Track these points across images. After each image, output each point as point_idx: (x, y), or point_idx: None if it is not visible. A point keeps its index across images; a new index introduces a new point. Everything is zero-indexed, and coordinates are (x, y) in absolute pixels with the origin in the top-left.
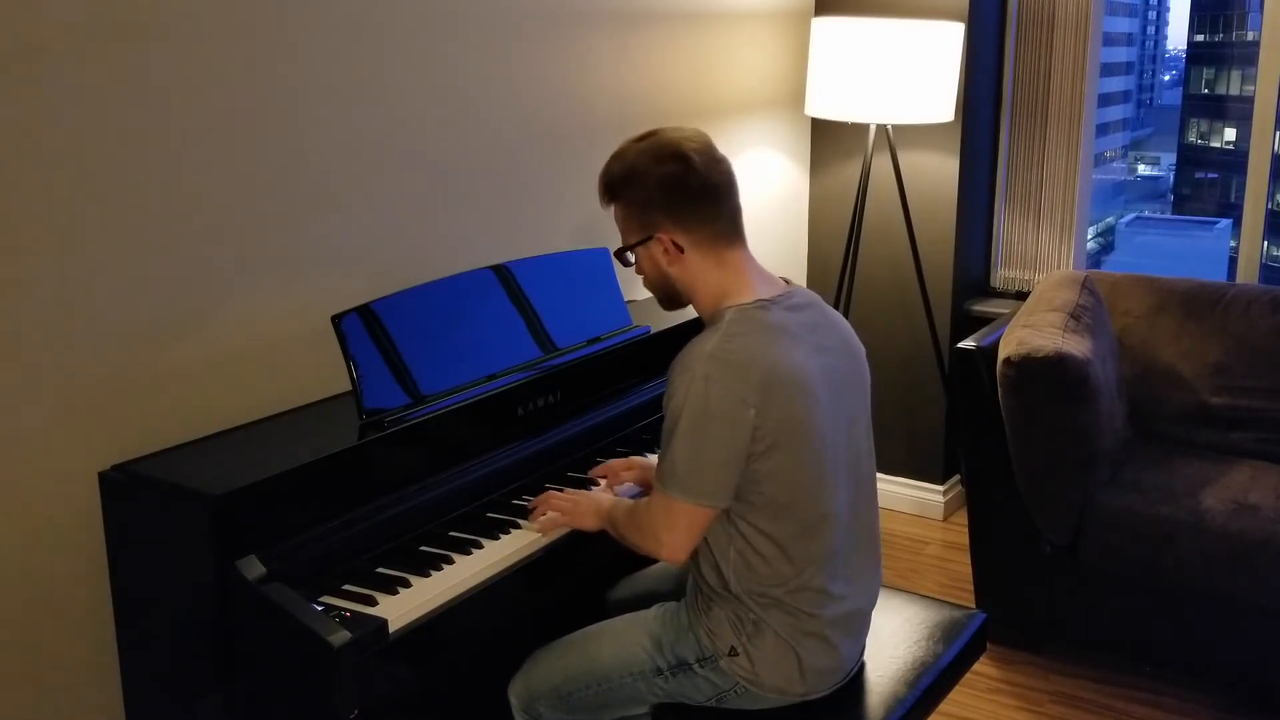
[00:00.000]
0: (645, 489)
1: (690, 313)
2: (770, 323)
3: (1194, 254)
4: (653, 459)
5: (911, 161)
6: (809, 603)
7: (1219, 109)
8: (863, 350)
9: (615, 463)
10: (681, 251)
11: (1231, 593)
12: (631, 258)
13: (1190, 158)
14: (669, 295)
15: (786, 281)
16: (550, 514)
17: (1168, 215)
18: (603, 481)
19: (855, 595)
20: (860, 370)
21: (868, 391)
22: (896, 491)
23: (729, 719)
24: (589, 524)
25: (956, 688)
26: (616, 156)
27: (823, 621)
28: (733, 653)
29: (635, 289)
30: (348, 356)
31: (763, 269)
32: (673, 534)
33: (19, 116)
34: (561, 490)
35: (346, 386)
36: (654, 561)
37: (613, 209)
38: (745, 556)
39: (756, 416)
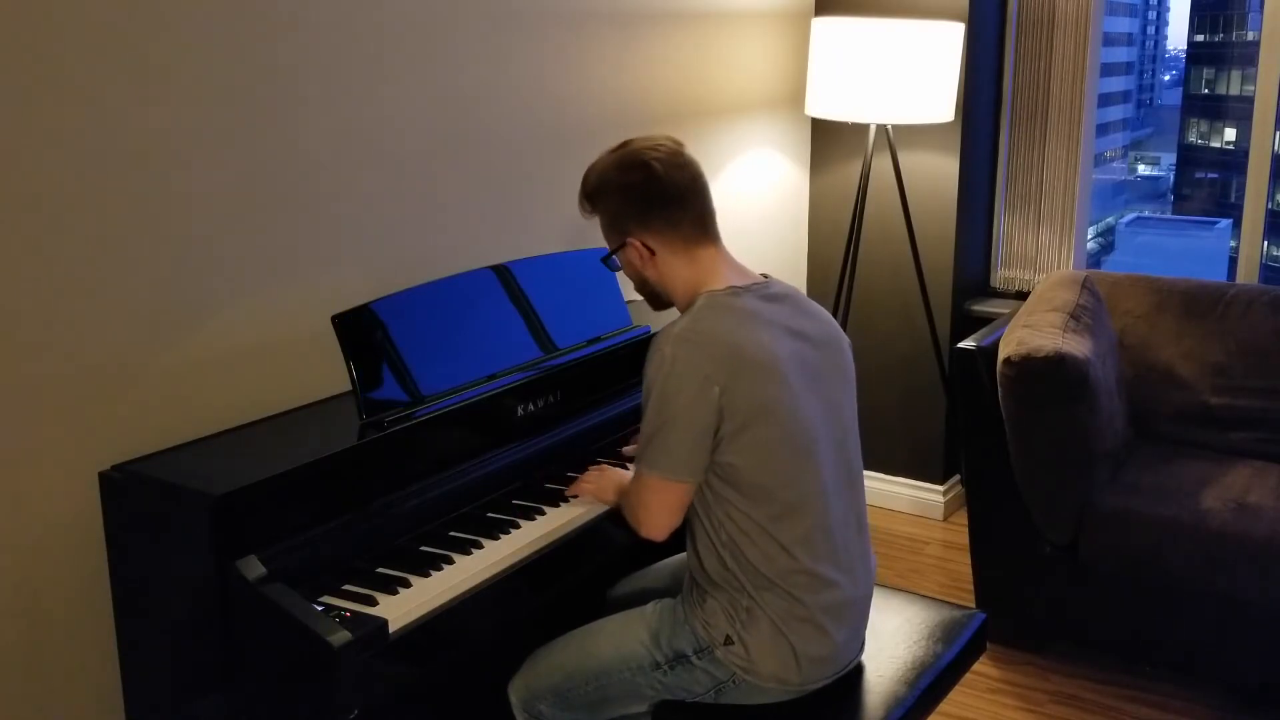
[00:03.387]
0: None
1: None
2: (739, 307)
3: (1194, 254)
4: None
5: (911, 161)
6: (800, 587)
7: (1219, 109)
8: (845, 341)
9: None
10: (653, 254)
11: (1231, 593)
12: (615, 262)
13: (1190, 158)
14: (652, 295)
15: (765, 276)
16: (584, 493)
17: (1168, 215)
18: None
19: (847, 583)
20: (839, 359)
21: (851, 379)
22: (896, 491)
23: (729, 715)
24: (608, 498)
25: (956, 688)
26: (591, 169)
27: (815, 608)
28: (728, 641)
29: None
30: (348, 356)
31: (738, 264)
32: (648, 511)
33: (19, 117)
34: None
35: (346, 386)
36: (655, 559)
37: (596, 218)
38: (737, 543)
39: (722, 395)
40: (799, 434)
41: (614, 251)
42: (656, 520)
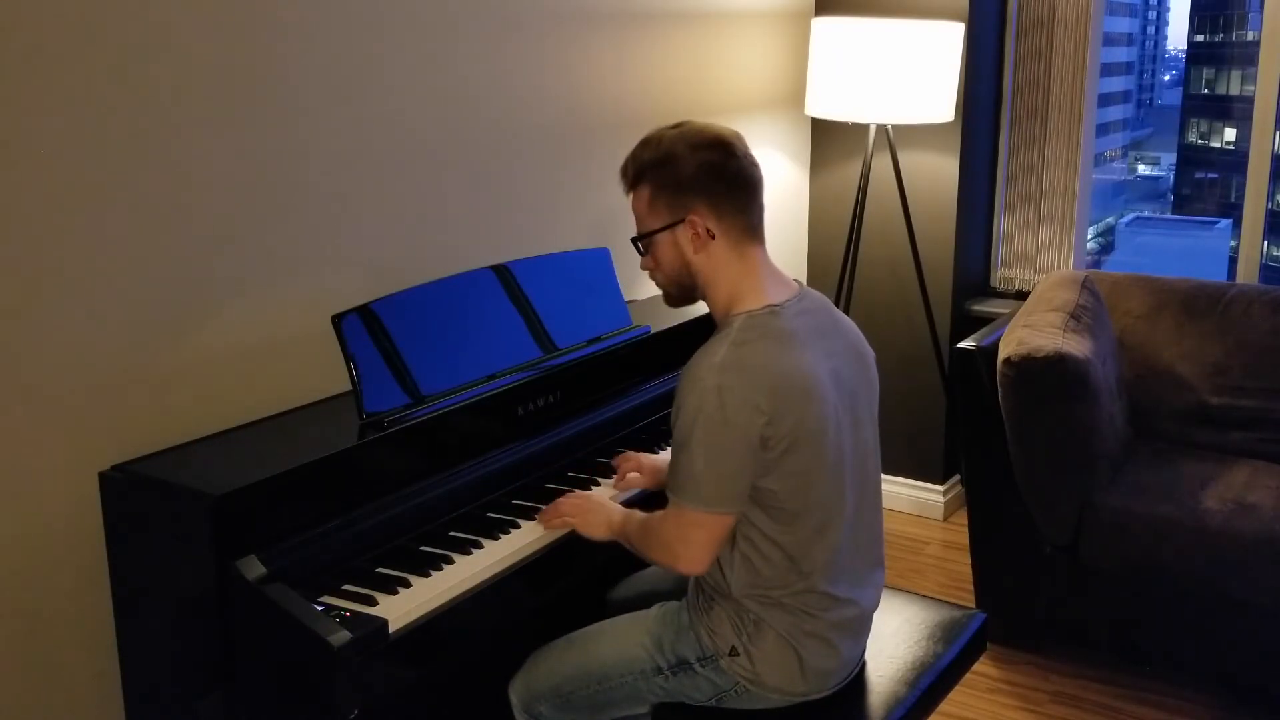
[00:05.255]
0: (653, 492)
1: (691, 313)
2: (780, 328)
3: (1194, 254)
4: (664, 457)
5: (911, 161)
6: (812, 605)
7: (1219, 109)
8: (872, 354)
9: (630, 462)
10: (712, 238)
11: (1231, 593)
12: (642, 248)
13: (1190, 158)
14: (683, 287)
15: (799, 284)
16: (562, 525)
17: (1168, 215)
18: (610, 481)
19: (859, 598)
20: (868, 375)
21: (875, 396)
22: (896, 491)
23: (729, 718)
24: (597, 534)
25: (956, 688)
26: (648, 143)
27: (825, 623)
28: (733, 653)
29: (635, 289)
30: (348, 356)
31: (777, 271)
32: (690, 546)
33: (20, 116)
34: (571, 490)
35: (346, 386)
36: None
37: (634, 196)
38: (750, 559)
39: (768, 425)
40: (832, 459)
41: (660, 230)
42: (702, 555)
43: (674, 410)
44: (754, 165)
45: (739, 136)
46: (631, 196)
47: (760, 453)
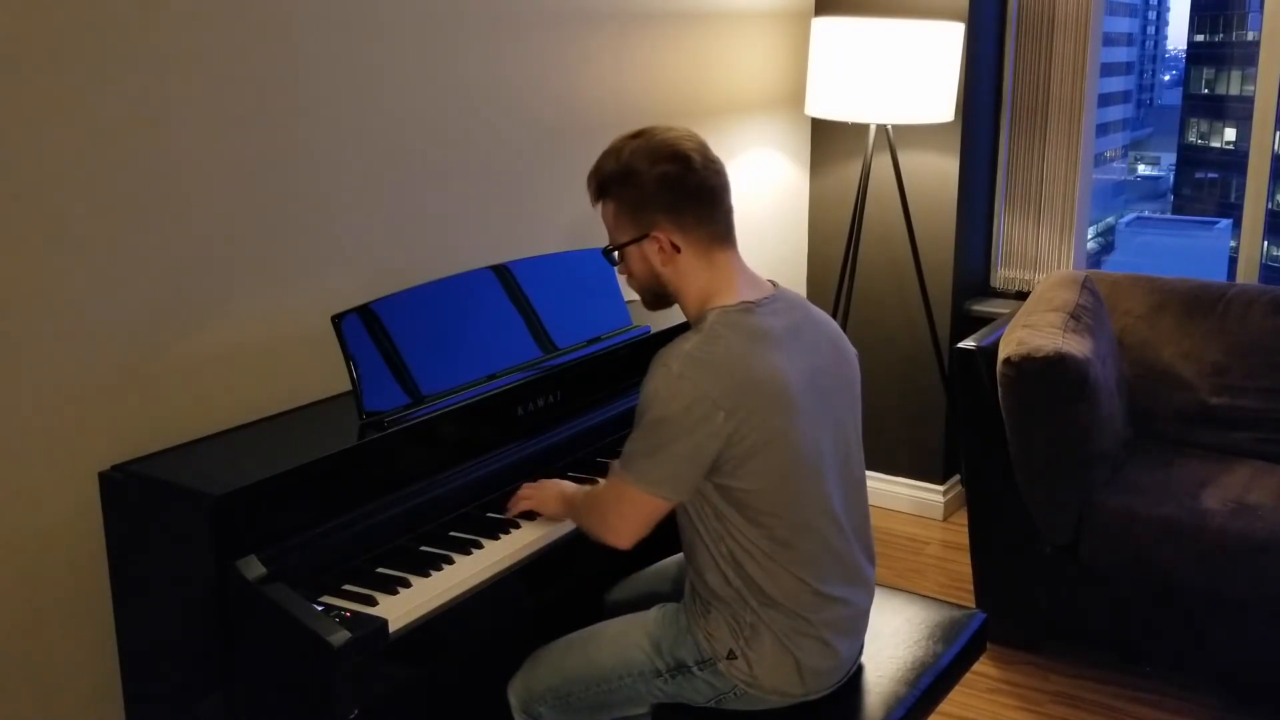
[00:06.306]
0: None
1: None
2: (753, 326)
3: (1194, 254)
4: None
5: (911, 161)
6: (805, 606)
7: (1219, 109)
8: (852, 351)
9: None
10: (678, 251)
11: (1231, 593)
12: (616, 256)
13: (1190, 158)
14: (656, 295)
15: (774, 284)
16: (522, 507)
17: (1168, 215)
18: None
19: (853, 596)
20: (848, 371)
21: (857, 392)
22: (896, 491)
23: (729, 718)
24: (552, 509)
25: (956, 688)
26: (610, 154)
27: (821, 624)
28: (731, 656)
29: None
30: (348, 356)
31: (751, 272)
32: (621, 519)
33: (19, 116)
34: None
35: (346, 386)
36: (652, 561)
37: (601, 207)
38: (740, 563)
39: (727, 420)
40: (808, 458)
41: (628, 244)
42: (629, 530)
43: (642, 385)
44: (716, 173)
45: (699, 146)
46: (599, 207)
47: (721, 449)
